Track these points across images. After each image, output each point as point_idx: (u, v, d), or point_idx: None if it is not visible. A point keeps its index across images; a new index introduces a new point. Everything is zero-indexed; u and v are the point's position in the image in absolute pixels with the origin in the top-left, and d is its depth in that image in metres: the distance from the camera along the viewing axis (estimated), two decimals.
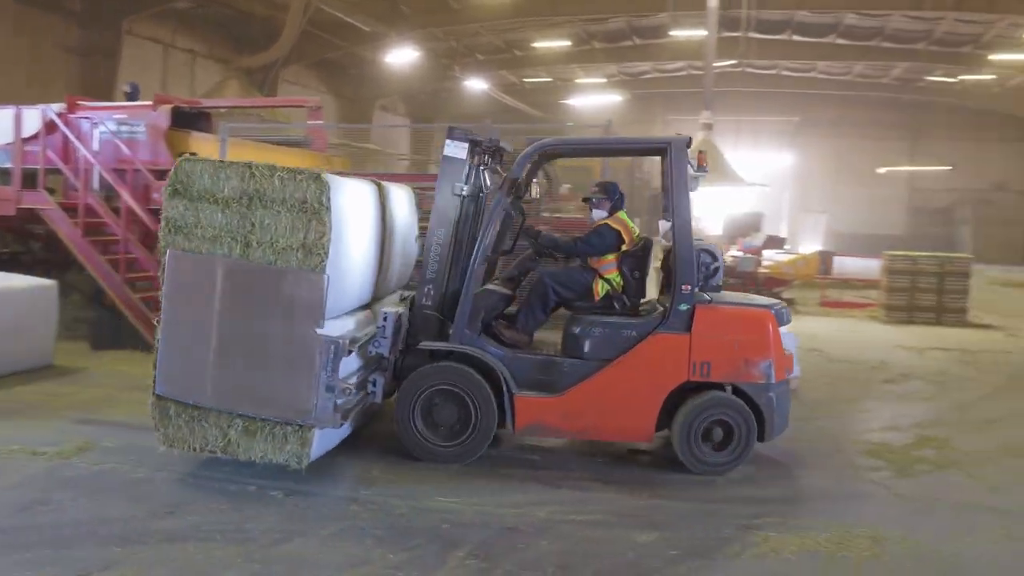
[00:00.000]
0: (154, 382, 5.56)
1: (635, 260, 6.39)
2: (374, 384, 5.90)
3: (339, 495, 5.35)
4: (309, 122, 11.70)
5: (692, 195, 6.18)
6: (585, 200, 6.90)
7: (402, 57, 25.64)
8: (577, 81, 35.69)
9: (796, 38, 28.74)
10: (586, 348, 6.12)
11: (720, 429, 5.98)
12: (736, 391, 6.02)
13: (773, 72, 34.00)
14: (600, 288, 6.32)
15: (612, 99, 34.64)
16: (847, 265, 19.88)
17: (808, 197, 38.34)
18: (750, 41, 26.69)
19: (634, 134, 11.87)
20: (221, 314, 5.46)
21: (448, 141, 6.18)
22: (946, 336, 13.46)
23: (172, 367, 5.54)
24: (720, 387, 6.02)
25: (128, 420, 6.81)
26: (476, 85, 30.58)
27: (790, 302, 16.19)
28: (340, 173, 11.86)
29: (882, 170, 38.00)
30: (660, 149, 6.40)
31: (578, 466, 6.18)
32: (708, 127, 16.28)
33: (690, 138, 6.33)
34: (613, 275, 6.34)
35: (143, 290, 9.99)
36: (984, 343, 12.88)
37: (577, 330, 6.18)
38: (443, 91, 32.40)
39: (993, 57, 27.57)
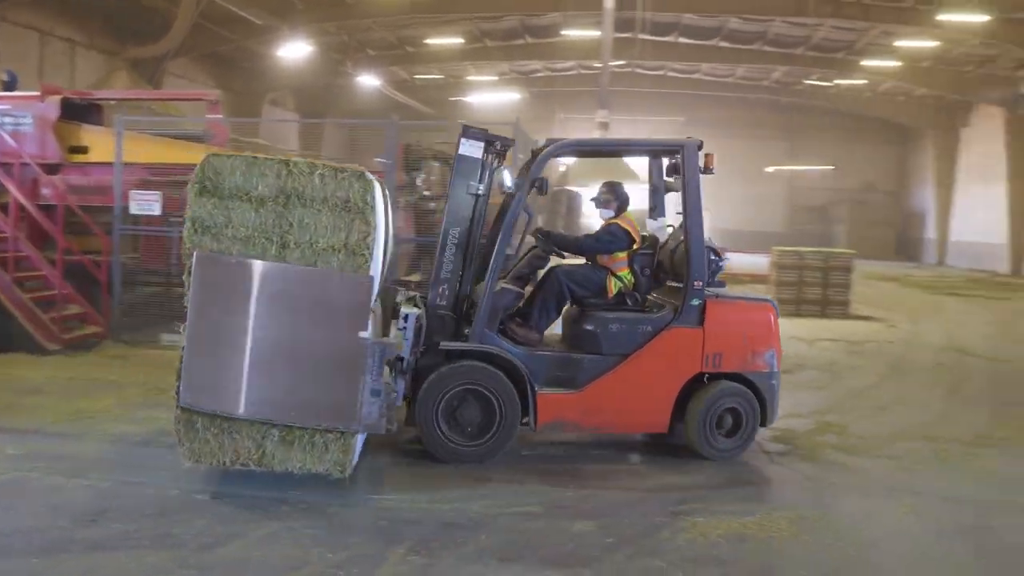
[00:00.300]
0: (177, 393, 5.15)
1: (644, 258, 6.54)
2: (396, 387, 5.68)
3: (267, 496, 5.22)
4: (208, 116, 11.38)
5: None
6: (592, 200, 6.92)
7: (293, 51, 25.17)
8: (469, 79, 35.81)
9: (683, 40, 29.58)
10: (604, 344, 6.21)
11: (730, 417, 6.26)
12: (741, 380, 6.30)
13: (660, 73, 34.93)
14: (613, 285, 6.42)
15: (509, 97, 34.88)
16: (736, 261, 20.54)
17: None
18: (644, 43, 27.30)
19: (533, 133, 11.98)
20: (257, 319, 5.12)
21: (463, 140, 6.12)
22: (832, 328, 14.12)
23: (200, 376, 5.14)
24: (729, 377, 6.29)
25: (30, 426, 6.53)
26: (367, 81, 30.30)
27: None
28: None
29: (770, 169, 39.42)
30: (673, 150, 6.53)
31: (505, 460, 6.23)
32: (604, 126, 16.58)
33: (701, 141, 6.48)
34: (624, 273, 6.47)
35: (33, 290, 9.57)
36: (867, 334, 13.58)
37: (595, 326, 6.27)
38: (334, 86, 31.94)
39: (865, 63, 29.04)
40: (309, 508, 5.06)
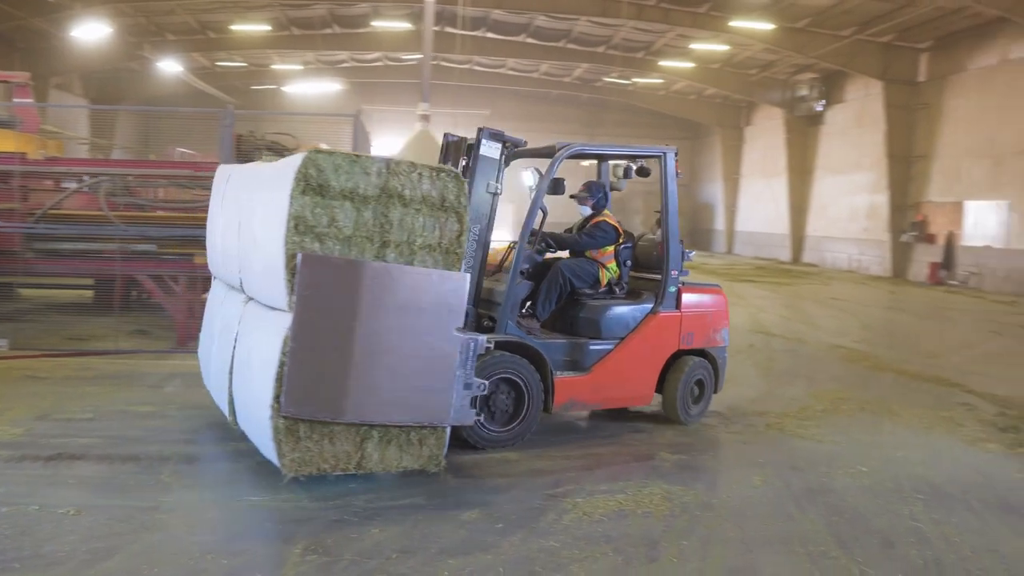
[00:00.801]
0: (278, 403, 4.86)
1: (626, 251, 7.28)
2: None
3: (139, 505, 4.96)
4: (16, 100, 10.49)
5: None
6: (572, 197, 7.44)
7: (84, 33, 23.47)
8: (274, 67, 34.74)
9: (490, 35, 30.04)
10: (604, 329, 6.90)
11: (697, 387, 7.31)
12: (703, 354, 7.37)
13: (467, 67, 35.31)
14: (604, 277, 7.10)
15: (325, 87, 34.22)
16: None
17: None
18: (454, 37, 27.50)
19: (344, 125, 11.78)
20: (362, 320, 5.00)
21: (484, 141, 6.37)
22: None
23: (305, 383, 4.90)
24: (694, 352, 7.31)
25: None
26: (166, 67, 28.76)
27: None
28: (55, 159, 10.89)
29: (585, 163, 40.67)
30: (657, 156, 7.32)
31: None
32: (426, 118, 16.62)
33: (677, 149, 7.44)
34: (612, 265, 7.16)
35: None
36: None
37: (595, 314, 6.92)
38: (127, 71, 30.10)
39: (663, 63, 30.64)
40: (187, 513, 4.86)
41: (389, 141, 32.09)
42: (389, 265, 5.14)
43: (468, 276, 5.51)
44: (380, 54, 33.09)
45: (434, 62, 31.63)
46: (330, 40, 30.37)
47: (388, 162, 5.17)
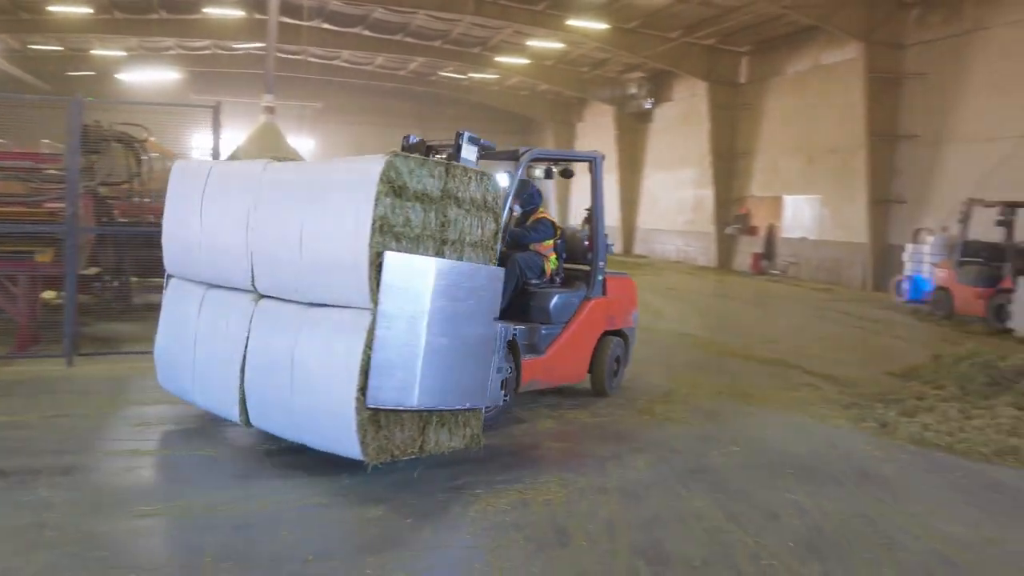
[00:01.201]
0: (362, 395, 5.09)
1: (561, 245, 8.04)
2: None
3: (20, 525, 4.66)
4: None
5: None
6: None
7: None
8: (94, 53, 32.73)
9: (327, 26, 29.51)
10: (554, 315, 7.58)
11: (615, 363, 8.29)
12: (619, 334, 8.33)
13: (300, 58, 34.51)
14: (548, 268, 7.83)
15: (158, 76, 32.57)
16: None
17: None
18: (301, 29, 26.83)
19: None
20: (432, 314, 5.37)
21: (465, 145, 6.68)
22: None
23: (386, 374, 5.18)
24: (615, 333, 8.27)
25: None
26: None
27: None
28: None
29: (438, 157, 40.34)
30: (588, 160, 8.29)
31: (254, 455, 6.07)
32: (271, 110, 16.19)
33: (603, 154, 8.52)
34: (553, 257, 7.88)
35: None
36: None
37: (547, 302, 7.58)
38: None
39: (499, 59, 31.06)
40: (74, 534, 4.58)
41: (230, 134, 30.92)
42: (452, 262, 5.58)
43: (502, 270, 6.09)
44: (210, 42, 31.84)
45: (263, 52, 30.89)
46: (157, 26, 28.94)
47: (447, 166, 5.56)
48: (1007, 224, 14.79)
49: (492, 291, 5.84)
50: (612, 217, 35.12)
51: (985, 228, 15.44)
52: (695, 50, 27.58)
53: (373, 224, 5.07)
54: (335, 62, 35.51)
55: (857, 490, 5.78)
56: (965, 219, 15.55)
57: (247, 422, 6.01)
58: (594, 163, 8.23)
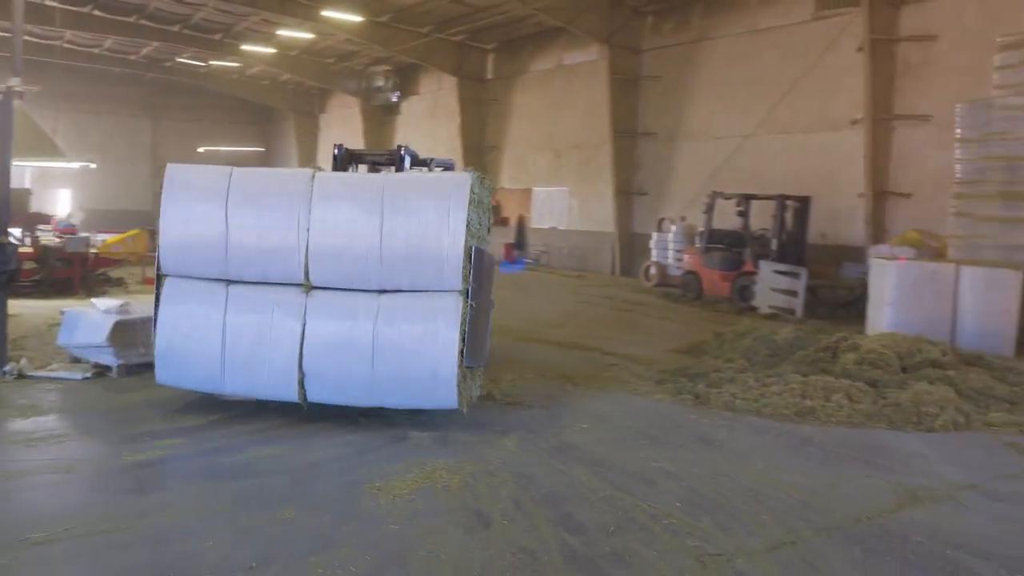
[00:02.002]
0: (462, 357, 6.72)
1: None
2: None
3: None
4: None
5: None
6: None
7: None
8: None
9: (51, 3, 27.04)
10: None
11: None
12: None
13: (8, 36, 31.29)
14: None
15: None
16: None
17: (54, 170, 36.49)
18: (32, 6, 24.24)
19: None
20: (484, 293, 7.09)
21: (407, 156, 9.28)
22: None
23: (470, 341, 6.79)
24: None
25: None
26: None
27: (119, 281, 15.95)
28: None
29: (201, 149, 37.94)
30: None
31: (119, 471, 5.84)
32: (19, 95, 14.78)
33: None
34: None
35: None
36: None
37: None
38: None
39: (244, 47, 30.01)
40: None
41: None
42: (486, 250, 7.16)
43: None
44: None
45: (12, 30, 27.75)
46: None
47: (482, 177, 7.06)
48: (744, 214, 16.67)
49: (493, 271, 7.57)
50: None
51: (724, 218, 17.31)
52: (445, 46, 28.23)
53: (466, 226, 6.73)
54: (56, 43, 32.53)
55: (705, 453, 6.55)
56: (709, 210, 17.31)
57: (304, 399, 6.95)
58: (399, 154, 9.62)
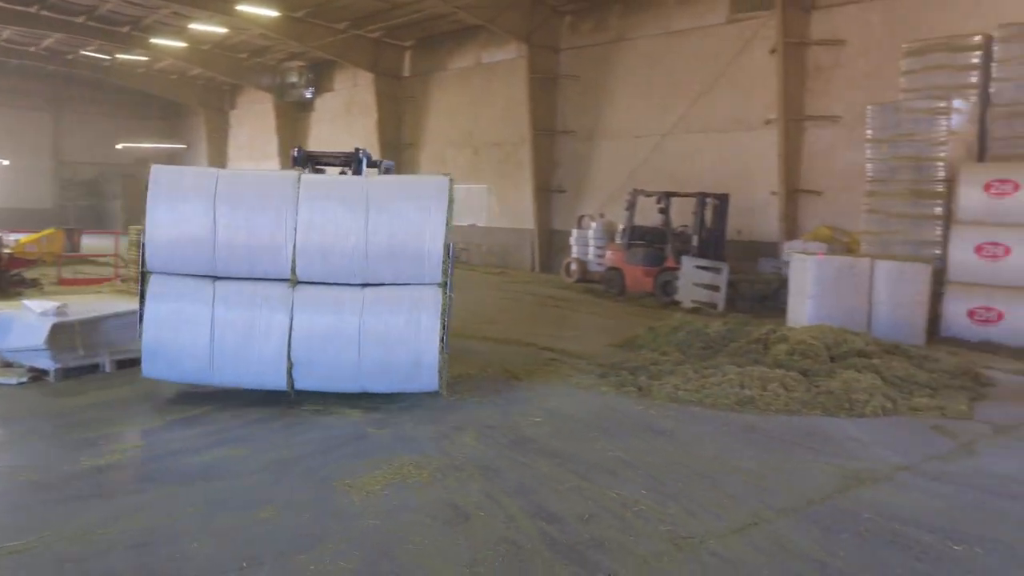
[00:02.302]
0: (443, 343, 7.46)
1: None
2: None
3: None
4: None
5: None
6: None
7: None
8: None
9: None
10: None
11: None
12: None
13: None
14: None
15: None
16: (87, 242, 19.43)
17: None
18: None
19: None
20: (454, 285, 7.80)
21: (364, 159, 10.05)
22: None
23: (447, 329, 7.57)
24: None
25: None
26: None
27: (34, 282, 15.46)
28: None
29: (120, 146, 36.56)
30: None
31: (82, 475, 5.78)
32: None
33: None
34: None
35: None
36: None
37: None
38: None
39: (153, 40, 29.22)
40: None
41: None
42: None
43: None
44: None
45: None
46: None
47: (451, 179, 7.58)
48: (665, 211, 17.12)
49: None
50: None
51: (644, 214, 17.74)
52: (362, 42, 28.05)
53: (447, 224, 7.32)
54: None
55: (657, 443, 6.81)
56: (631, 207, 17.71)
57: (292, 386, 7.39)
58: (357, 155, 10.06)
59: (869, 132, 13.98)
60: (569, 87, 23.75)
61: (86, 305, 9.12)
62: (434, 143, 28.30)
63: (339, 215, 7.40)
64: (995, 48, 13.42)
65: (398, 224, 7.41)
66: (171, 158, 41.52)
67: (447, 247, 7.46)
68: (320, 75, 32.71)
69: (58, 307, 8.57)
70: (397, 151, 29.07)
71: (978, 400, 8.48)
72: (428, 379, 7.51)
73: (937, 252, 12.92)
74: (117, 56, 32.87)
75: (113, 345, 8.86)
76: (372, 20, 26.23)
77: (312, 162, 10.76)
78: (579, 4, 23.05)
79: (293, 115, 33.76)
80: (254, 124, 36.29)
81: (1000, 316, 11.93)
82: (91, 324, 8.59)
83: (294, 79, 33.32)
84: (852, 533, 4.94)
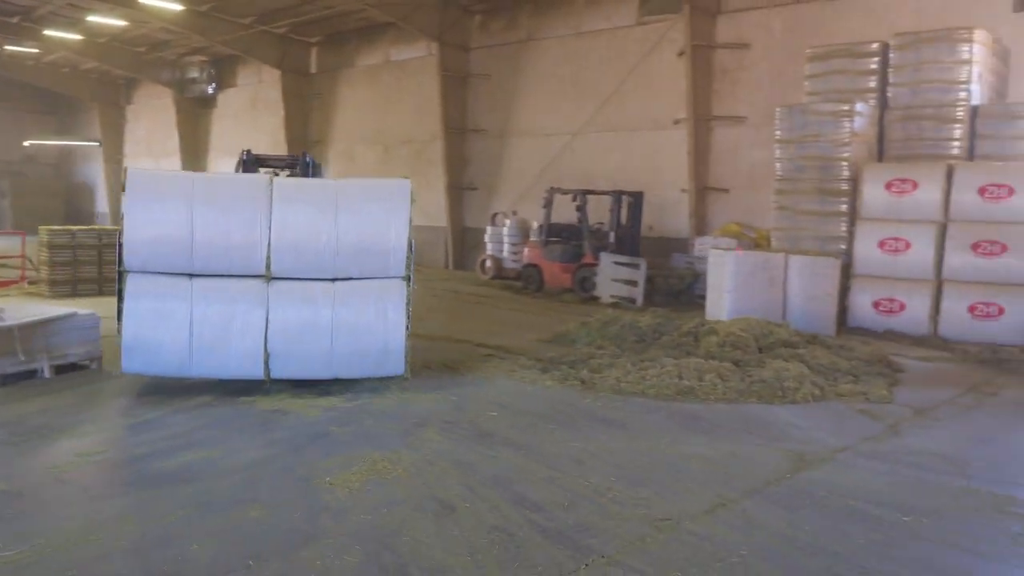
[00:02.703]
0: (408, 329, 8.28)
1: None
2: None
3: None
4: None
5: None
6: None
7: None
8: None
9: None
10: None
11: None
12: None
13: None
14: None
15: None
16: None
17: None
18: None
19: None
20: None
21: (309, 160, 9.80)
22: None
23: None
24: None
25: None
26: None
27: None
28: None
29: (27, 143, 34.66)
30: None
31: (54, 481, 5.75)
32: None
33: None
34: None
35: None
36: None
37: None
38: None
39: (48, 32, 28.09)
40: None
41: None
42: None
43: None
44: None
45: None
46: None
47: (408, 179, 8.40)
48: (582, 209, 17.55)
49: None
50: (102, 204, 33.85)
51: (558, 212, 18.14)
52: (268, 38, 27.63)
53: (409, 223, 8.02)
54: None
55: (612, 433, 7.13)
56: (548, 204, 18.07)
57: (268, 375, 7.86)
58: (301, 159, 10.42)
59: (778, 133, 14.67)
60: (480, 85, 23.99)
61: (19, 309, 8.89)
62: (343, 140, 28.12)
63: (311, 215, 8.01)
64: (891, 55, 14.29)
65: (366, 223, 8.09)
66: (65, 155, 40.08)
67: (409, 243, 8.16)
68: (223, 70, 32.05)
69: None
70: (305, 148, 28.75)
71: (895, 385, 9.12)
72: (395, 364, 8.23)
73: (843, 247, 13.71)
74: (6, 48, 31.41)
75: (51, 350, 8.67)
76: (279, 16, 25.85)
77: (261, 164, 11.08)
78: (489, 4, 23.29)
79: (195, 111, 32.97)
80: (153, 119, 35.26)
81: (902, 307, 12.76)
82: (30, 328, 8.38)
83: (195, 74, 32.49)
84: (811, 510, 5.36)
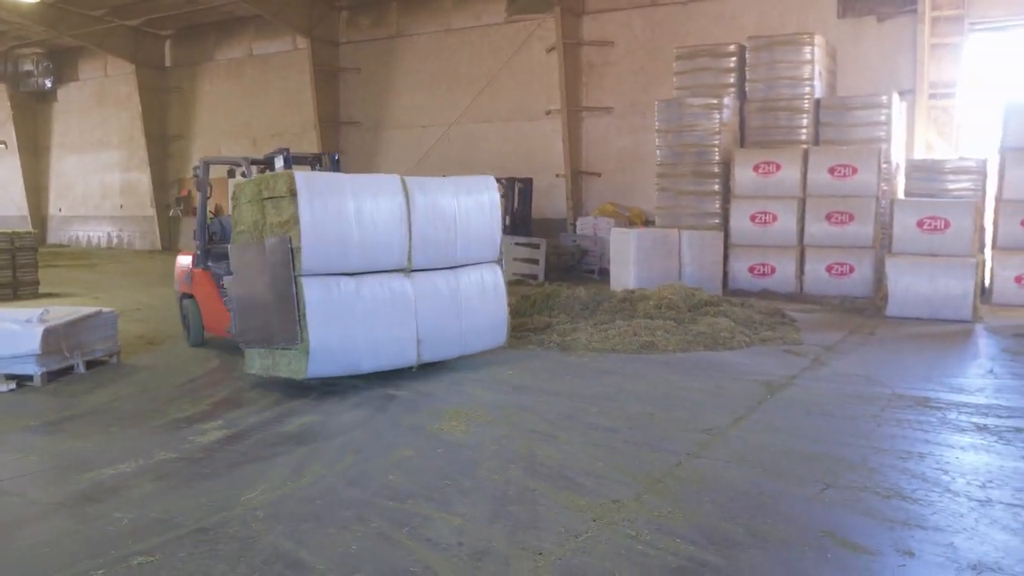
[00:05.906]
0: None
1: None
2: None
3: None
4: None
5: None
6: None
7: None
8: None
9: None
10: None
11: None
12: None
13: None
14: None
15: None
16: None
17: None
18: None
19: None
20: None
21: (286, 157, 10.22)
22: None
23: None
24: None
25: None
26: None
27: None
28: None
29: None
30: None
31: (40, 490, 6.79)
32: None
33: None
34: None
35: None
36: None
37: None
38: None
39: None
40: None
41: None
42: None
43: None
44: None
45: None
46: None
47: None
48: (509, 198, 19.12)
49: None
50: (14, 206, 32.53)
51: None
52: (120, 30, 27.33)
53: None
54: None
55: (615, 379, 8.83)
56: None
57: (419, 358, 8.71)
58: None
59: (657, 123, 16.84)
60: (351, 79, 25.01)
61: (59, 310, 9.59)
62: (207, 135, 28.26)
63: (438, 211, 8.89)
64: (748, 55, 16.76)
65: (473, 215, 9.25)
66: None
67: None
68: (61, 64, 31.15)
69: (42, 313, 9.03)
70: (164, 144, 28.72)
71: (798, 332, 11.40)
72: (502, 335, 9.72)
73: (717, 221, 16.10)
74: None
75: (83, 347, 9.44)
76: (133, 9, 25.72)
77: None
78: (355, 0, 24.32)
79: (33, 106, 31.85)
80: None
81: (773, 270, 15.27)
82: (72, 327, 9.15)
83: (29, 67, 31.36)
84: (816, 413, 7.34)
